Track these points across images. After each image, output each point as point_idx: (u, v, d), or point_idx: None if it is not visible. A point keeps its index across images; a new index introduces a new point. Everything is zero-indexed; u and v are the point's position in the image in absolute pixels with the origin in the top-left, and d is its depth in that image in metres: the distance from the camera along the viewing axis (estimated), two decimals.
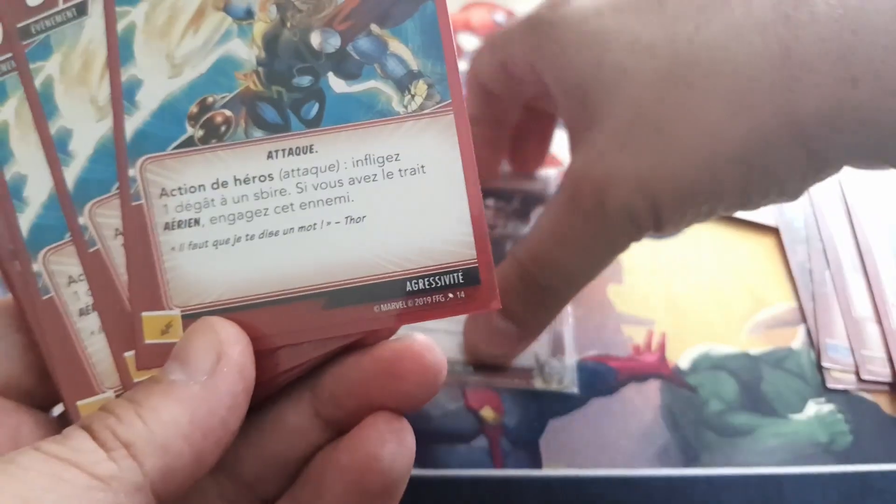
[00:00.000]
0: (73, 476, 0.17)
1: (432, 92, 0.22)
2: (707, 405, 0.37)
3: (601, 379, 0.38)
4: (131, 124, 0.23)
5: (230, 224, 0.22)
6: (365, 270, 0.22)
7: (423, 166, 0.22)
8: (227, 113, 0.22)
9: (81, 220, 0.23)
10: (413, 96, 0.22)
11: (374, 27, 0.23)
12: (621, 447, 0.35)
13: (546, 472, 0.34)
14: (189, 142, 0.22)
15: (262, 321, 0.22)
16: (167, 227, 0.22)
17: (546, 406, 0.36)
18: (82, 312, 0.23)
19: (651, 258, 0.43)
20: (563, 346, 0.38)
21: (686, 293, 0.42)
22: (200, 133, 0.22)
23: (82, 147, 0.23)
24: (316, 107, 0.22)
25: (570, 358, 0.37)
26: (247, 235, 0.22)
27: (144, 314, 0.22)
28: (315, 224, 0.22)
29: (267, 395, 0.23)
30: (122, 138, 0.23)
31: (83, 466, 0.17)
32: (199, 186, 0.22)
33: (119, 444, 0.18)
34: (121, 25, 0.23)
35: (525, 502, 0.34)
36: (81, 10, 0.23)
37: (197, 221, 0.22)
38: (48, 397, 0.23)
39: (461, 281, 0.22)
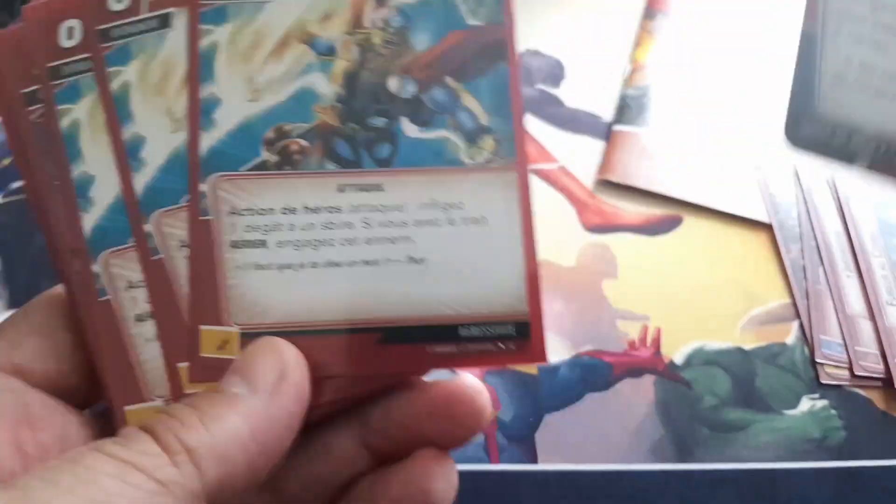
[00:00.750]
0: (138, 480, 0.17)
1: (499, 148, 0.23)
2: (701, 400, 0.37)
3: (596, 374, 0.38)
4: (206, 140, 0.23)
5: (296, 249, 0.23)
6: (421, 311, 0.23)
7: (484, 217, 0.23)
8: (303, 143, 0.23)
9: (147, 228, 0.23)
10: (480, 149, 0.23)
11: (449, 80, 0.23)
12: (616, 442, 0.35)
13: (541, 466, 0.34)
14: (263, 165, 0.23)
15: (318, 349, 0.22)
16: (234, 245, 0.23)
17: (541, 401, 0.36)
18: (139, 318, 0.23)
19: (646, 254, 0.43)
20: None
21: (681, 289, 0.42)
22: (275, 158, 0.23)
23: (154, 156, 0.23)
24: (388, 148, 0.23)
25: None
26: (311, 263, 0.23)
27: (203, 328, 0.22)
28: (378, 260, 0.23)
29: (315, 420, 0.23)
30: (195, 153, 0.23)
31: (147, 470, 0.18)
32: (269, 209, 0.23)
33: (182, 448, 0.18)
34: (204, 43, 0.23)
35: (520, 497, 0.34)
36: (165, 23, 0.23)
37: (264, 243, 0.23)
38: (90, 398, 0.23)
39: (512, 333, 0.23)
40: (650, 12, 0.55)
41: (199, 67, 0.23)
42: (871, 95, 0.20)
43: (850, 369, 0.39)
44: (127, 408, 0.22)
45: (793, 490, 0.35)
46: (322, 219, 0.23)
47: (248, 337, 0.22)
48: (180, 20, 0.23)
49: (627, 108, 0.49)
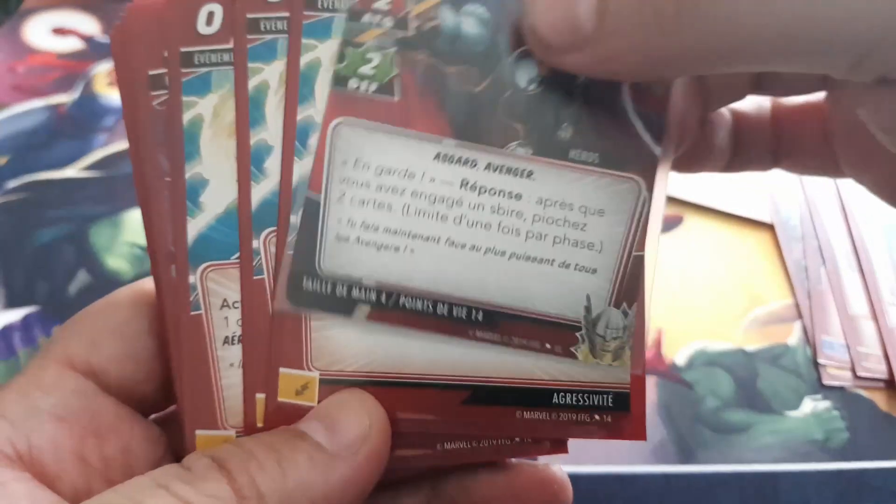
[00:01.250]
0: None
1: None
2: (703, 402, 0.37)
3: None
4: (298, 168, 0.21)
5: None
6: (513, 371, 0.21)
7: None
8: None
9: (255, 245, 0.21)
10: None
11: None
12: (617, 444, 0.35)
13: None
14: None
15: (399, 401, 0.21)
16: None
17: None
18: (226, 341, 0.21)
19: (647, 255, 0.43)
20: (638, 286, 0.22)
21: (682, 290, 0.41)
22: None
23: (279, 169, 0.21)
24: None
25: (643, 312, 0.22)
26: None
27: (283, 370, 0.21)
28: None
29: (388, 480, 0.22)
30: (289, 181, 0.21)
31: None
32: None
33: (255, 493, 0.18)
34: (305, 60, 0.21)
35: None
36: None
37: None
38: (158, 408, 0.22)
39: (610, 404, 0.21)
40: None
41: (298, 84, 0.21)
42: (373, 250, 0.20)
43: (853, 370, 0.39)
44: (199, 432, 0.21)
45: (795, 492, 0.34)
46: None
47: (328, 384, 0.21)
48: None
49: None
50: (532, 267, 0.21)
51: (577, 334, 0.21)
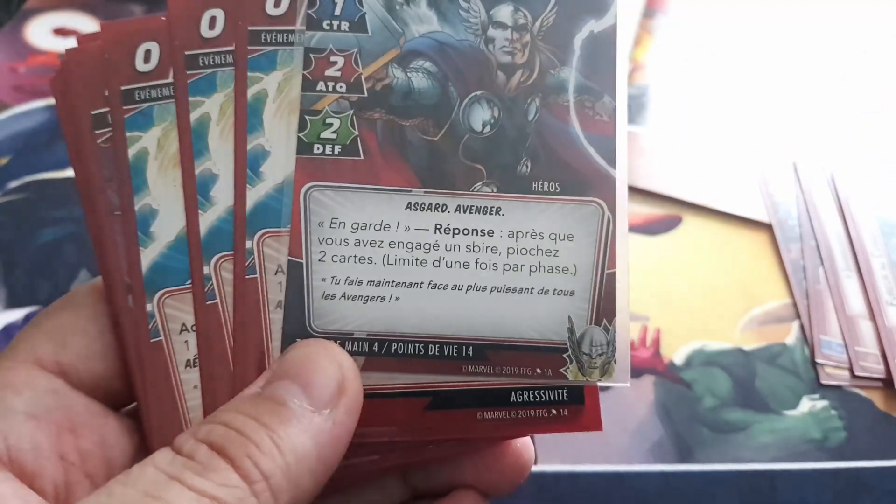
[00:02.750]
0: None
1: None
2: (701, 401, 0.37)
3: None
4: (252, 196, 0.22)
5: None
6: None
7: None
8: None
9: (206, 270, 0.22)
10: None
11: None
12: (615, 443, 0.35)
13: (541, 467, 0.34)
14: None
15: (364, 413, 0.21)
16: (280, 304, 0.22)
17: None
18: (188, 364, 0.22)
19: (645, 254, 0.43)
20: (612, 305, 0.22)
21: (680, 289, 0.41)
22: None
23: (225, 196, 0.22)
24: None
25: (622, 325, 0.22)
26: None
27: None
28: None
29: (358, 480, 0.23)
30: (243, 209, 0.22)
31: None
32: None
33: (260, 476, 0.18)
34: (252, 91, 0.22)
35: (520, 497, 0.34)
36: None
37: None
38: (127, 402, 0.23)
39: (565, 398, 0.22)
40: (649, 11, 0.54)
41: (246, 118, 0.22)
42: (360, 303, 0.21)
43: (851, 370, 0.39)
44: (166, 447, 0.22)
45: (793, 491, 0.34)
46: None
47: None
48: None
49: (626, 108, 0.49)
50: (513, 297, 0.22)
51: (565, 356, 0.22)
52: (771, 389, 0.38)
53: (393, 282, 0.22)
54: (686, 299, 0.41)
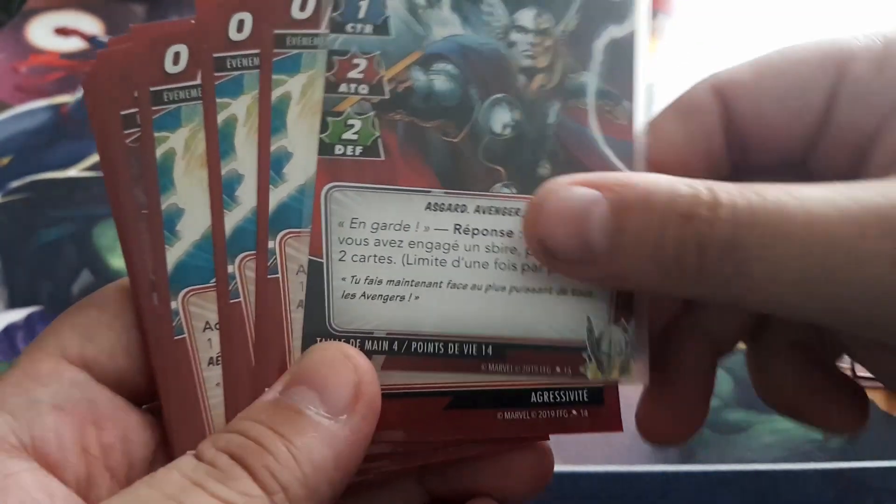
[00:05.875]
0: None
1: None
2: None
3: None
4: (275, 196, 0.22)
5: None
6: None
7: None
8: None
9: (230, 269, 0.22)
10: None
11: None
12: (617, 443, 0.35)
13: None
14: None
15: (383, 414, 0.21)
16: (301, 304, 0.22)
17: None
18: (211, 362, 0.22)
19: None
20: (631, 305, 0.22)
21: None
22: None
23: (250, 197, 0.22)
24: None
25: (641, 324, 0.22)
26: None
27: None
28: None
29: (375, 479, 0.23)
30: (265, 208, 0.22)
31: None
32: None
33: (278, 487, 0.18)
34: (276, 94, 0.22)
35: None
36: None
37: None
38: (149, 399, 0.23)
39: (585, 399, 0.22)
40: (654, 12, 0.54)
41: (270, 121, 0.22)
42: (379, 303, 0.21)
43: (852, 370, 0.39)
44: (189, 453, 0.21)
45: (795, 491, 0.34)
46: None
47: None
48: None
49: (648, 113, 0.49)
50: (532, 297, 0.22)
51: (584, 354, 0.22)
52: None
53: (412, 281, 0.22)
54: None
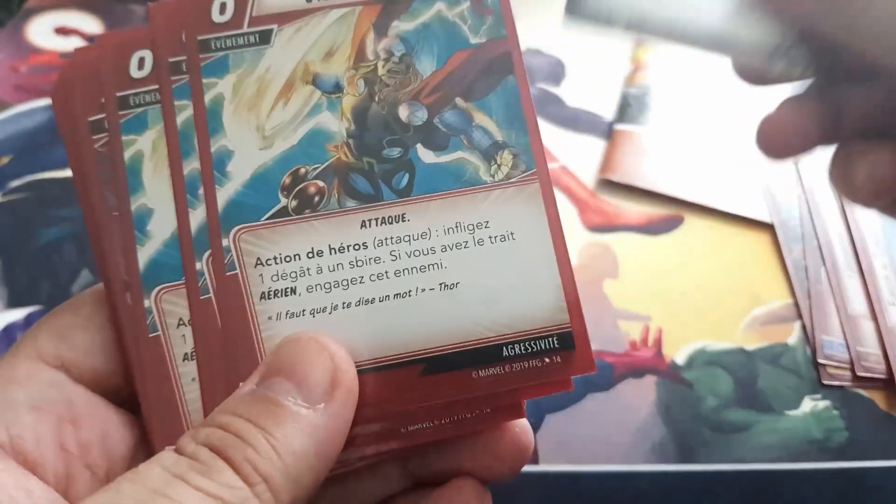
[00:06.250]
0: None
1: (518, 162, 0.23)
2: (703, 401, 0.37)
3: (597, 374, 0.37)
4: (223, 195, 0.23)
5: (327, 293, 0.22)
6: (461, 336, 0.22)
7: (512, 233, 0.23)
8: (320, 183, 0.23)
9: (198, 266, 0.22)
10: (499, 166, 0.23)
11: (459, 101, 0.24)
12: (617, 443, 0.35)
13: (542, 467, 0.34)
14: (283, 212, 0.23)
15: (362, 389, 0.21)
16: (263, 296, 0.22)
17: (542, 401, 0.36)
18: (186, 357, 0.22)
19: (647, 254, 0.43)
20: None
21: (682, 289, 0.41)
22: (294, 203, 0.23)
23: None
24: (406, 177, 0.23)
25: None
26: (343, 304, 0.22)
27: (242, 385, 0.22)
28: (410, 291, 0.22)
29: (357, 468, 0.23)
30: (214, 209, 0.23)
31: None
32: (295, 256, 0.23)
33: (260, 478, 0.18)
34: (209, 96, 0.23)
35: (522, 497, 0.34)
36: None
37: (293, 290, 0.22)
38: (131, 397, 0.23)
39: (556, 345, 0.22)
40: None
41: (207, 122, 0.23)
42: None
43: (852, 370, 0.39)
44: (168, 448, 0.22)
45: (795, 491, 0.34)
46: (349, 258, 0.23)
47: None
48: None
49: (628, 107, 0.49)
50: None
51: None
52: (773, 389, 0.38)
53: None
54: (688, 299, 0.41)
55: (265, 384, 0.20)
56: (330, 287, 0.22)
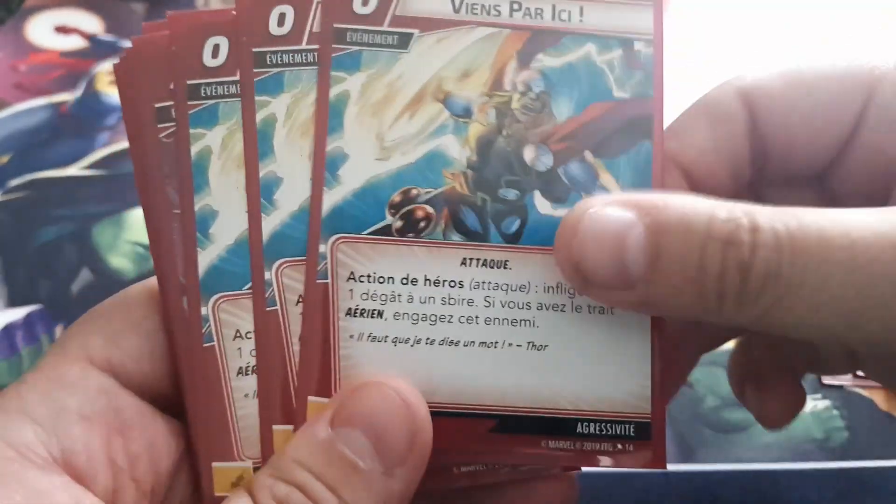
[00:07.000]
0: None
1: None
2: (703, 401, 0.37)
3: None
4: (330, 198, 0.21)
5: (413, 324, 0.21)
6: (539, 401, 0.21)
7: (612, 308, 0.21)
8: (429, 209, 0.22)
9: (267, 276, 0.21)
10: None
11: (587, 154, 0.22)
12: None
13: None
14: (386, 230, 0.21)
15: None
16: (349, 313, 0.21)
17: None
18: (240, 372, 0.21)
19: None
20: None
21: None
22: (399, 224, 0.21)
23: (287, 201, 0.21)
24: (517, 223, 0.22)
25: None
26: (427, 339, 0.21)
27: (311, 399, 0.21)
28: (497, 342, 0.21)
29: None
30: (318, 210, 0.21)
31: None
32: (389, 278, 0.21)
33: None
34: (334, 91, 0.22)
35: None
36: (317, 59, 0.22)
37: (381, 314, 0.21)
38: (177, 404, 0.22)
39: (631, 434, 0.21)
40: None
41: (328, 117, 0.22)
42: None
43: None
44: (215, 464, 0.21)
45: (795, 491, 0.34)
46: (442, 293, 0.21)
47: None
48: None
49: None
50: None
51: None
52: None
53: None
54: None
55: (341, 434, 0.19)
56: (417, 319, 0.21)
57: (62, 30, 0.55)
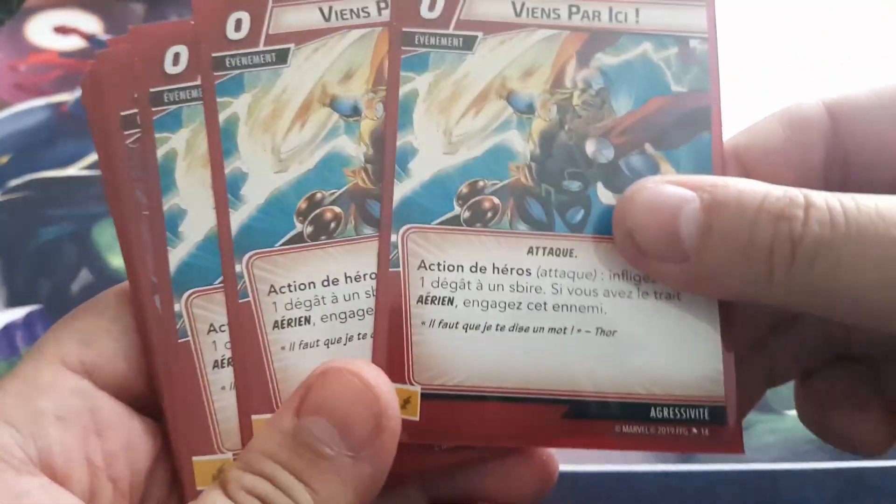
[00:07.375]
0: None
1: None
2: None
3: None
4: (400, 190, 0.22)
5: (483, 311, 0.22)
6: (610, 386, 0.22)
7: (679, 294, 0.22)
8: (496, 200, 0.22)
9: (238, 269, 0.22)
10: None
11: (648, 146, 0.23)
12: None
13: None
14: (455, 220, 0.22)
15: (500, 417, 0.21)
16: (421, 300, 0.22)
17: None
18: (216, 364, 0.22)
19: None
20: None
21: None
22: (467, 214, 0.22)
23: (255, 195, 0.22)
24: (581, 213, 0.22)
25: None
26: (497, 325, 0.22)
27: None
28: (566, 328, 0.22)
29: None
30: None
31: None
32: (459, 266, 0.22)
33: None
34: (404, 89, 0.23)
35: None
36: (282, 58, 0.23)
37: (451, 301, 0.22)
38: (152, 404, 0.22)
39: (706, 418, 0.22)
40: None
41: (398, 115, 0.22)
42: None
43: None
44: (195, 458, 0.21)
45: (795, 491, 0.34)
46: (510, 280, 0.22)
47: (430, 398, 0.21)
48: (297, 57, 0.23)
49: None
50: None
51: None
52: (773, 389, 0.38)
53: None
54: None
55: (306, 422, 0.19)
56: (487, 305, 0.22)
57: (61, 30, 0.55)
